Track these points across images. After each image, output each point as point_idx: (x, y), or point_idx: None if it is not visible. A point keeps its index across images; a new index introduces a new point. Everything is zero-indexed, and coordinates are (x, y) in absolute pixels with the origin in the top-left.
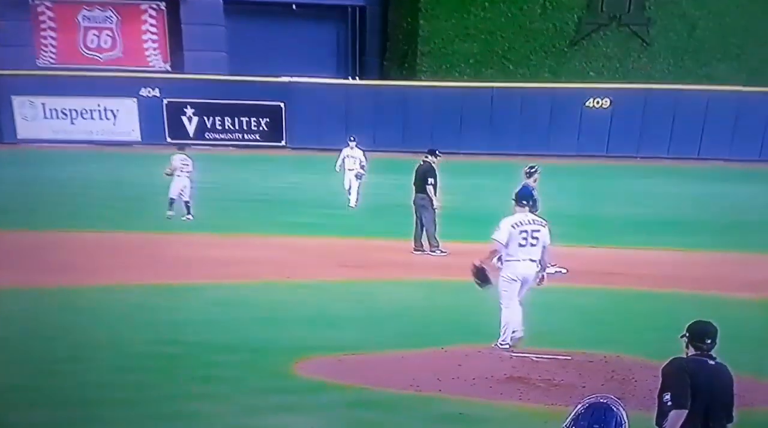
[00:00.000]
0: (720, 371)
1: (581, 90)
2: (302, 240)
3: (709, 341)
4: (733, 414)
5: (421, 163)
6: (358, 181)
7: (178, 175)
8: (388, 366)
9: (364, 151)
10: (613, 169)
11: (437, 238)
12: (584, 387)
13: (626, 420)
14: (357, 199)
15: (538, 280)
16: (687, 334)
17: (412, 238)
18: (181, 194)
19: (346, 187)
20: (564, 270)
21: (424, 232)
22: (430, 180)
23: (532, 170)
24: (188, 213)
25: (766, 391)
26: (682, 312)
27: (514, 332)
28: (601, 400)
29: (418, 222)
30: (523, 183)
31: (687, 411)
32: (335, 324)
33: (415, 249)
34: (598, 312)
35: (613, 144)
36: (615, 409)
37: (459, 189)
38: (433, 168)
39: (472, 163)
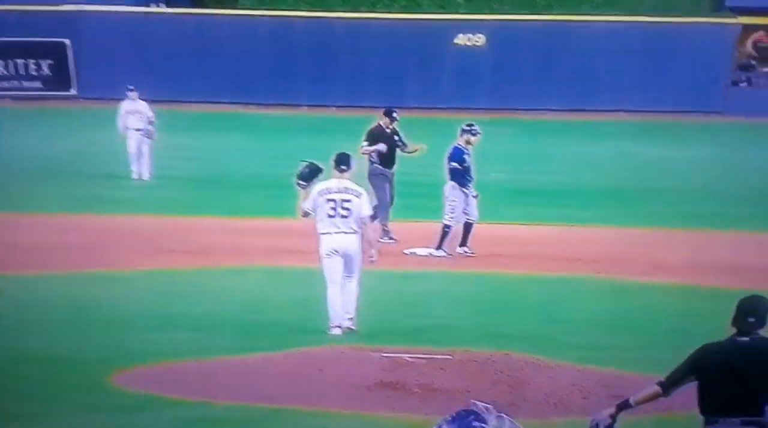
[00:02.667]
0: (755, 349)
1: (448, 23)
2: (108, 220)
3: (752, 320)
4: None
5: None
6: (148, 142)
7: None
8: (233, 375)
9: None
10: (491, 124)
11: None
12: (468, 392)
13: None
14: (150, 169)
15: (370, 258)
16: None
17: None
18: None
19: (132, 152)
20: (440, 253)
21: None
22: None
23: (471, 129)
24: None
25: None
26: (579, 300)
27: (350, 319)
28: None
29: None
30: (454, 144)
31: (663, 394)
32: (163, 325)
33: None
34: (482, 302)
35: (489, 93)
36: (479, 425)
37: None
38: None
39: (306, 118)
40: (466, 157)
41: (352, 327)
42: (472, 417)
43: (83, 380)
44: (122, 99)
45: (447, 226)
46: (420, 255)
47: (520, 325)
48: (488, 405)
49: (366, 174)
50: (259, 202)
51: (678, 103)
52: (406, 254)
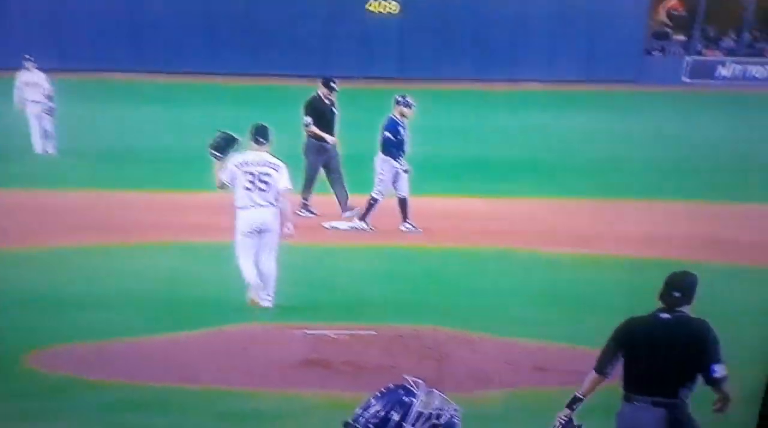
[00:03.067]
0: (676, 327)
1: None
2: (11, 196)
3: (678, 294)
4: (709, 372)
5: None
6: (49, 117)
7: None
8: (154, 355)
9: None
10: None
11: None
12: (395, 368)
13: (434, 410)
14: (55, 143)
15: (286, 231)
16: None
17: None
18: None
19: (33, 125)
20: (362, 226)
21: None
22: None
23: (404, 100)
24: None
25: (582, 360)
26: (503, 273)
27: (268, 295)
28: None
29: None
30: (389, 115)
31: (601, 376)
32: (80, 304)
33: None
34: (406, 277)
35: (400, 62)
36: (409, 399)
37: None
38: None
39: (225, 87)
40: (400, 128)
41: (271, 305)
42: (402, 392)
43: None
44: (18, 69)
45: (373, 199)
46: (341, 230)
47: (445, 299)
48: (419, 380)
49: (303, 148)
50: (174, 176)
51: (592, 72)
52: (326, 228)
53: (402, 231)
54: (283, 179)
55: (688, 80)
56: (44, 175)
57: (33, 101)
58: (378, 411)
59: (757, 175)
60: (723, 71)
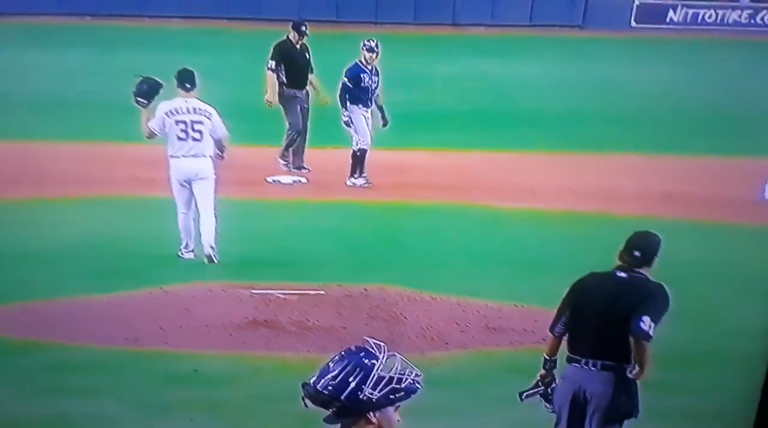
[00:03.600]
0: (630, 285)
1: None
2: None
3: (638, 254)
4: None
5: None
6: None
7: None
8: (92, 316)
9: None
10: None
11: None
12: (344, 328)
13: (397, 372)
14: None
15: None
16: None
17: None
18: None
19: None
20: (303, 179)
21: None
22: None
23: (368, 45)
24: None
25: (534, 319)
26: (453, 230)
27: (211, 247)
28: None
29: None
30: (355, 60)
31: (555, 337)
32: (14, 261)
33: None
34: (353, 234)
35: (335, 5)
36: (370, 362)
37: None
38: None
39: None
40: (363, 75)
41: (214, 258)
42: (363, 354)
43: None
44: None
45: (358, 151)
46: (284, 184)
47: (394, 257)
48: (380, 343)
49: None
50: (105, 126)
51: (537, 16)
52: (270, 182)
53: (349, 185)
54: (218, 127)
55: (636, 25)
56: None
57: None
58: (338, 374)
59: (710, 127)
60: (673, 15)
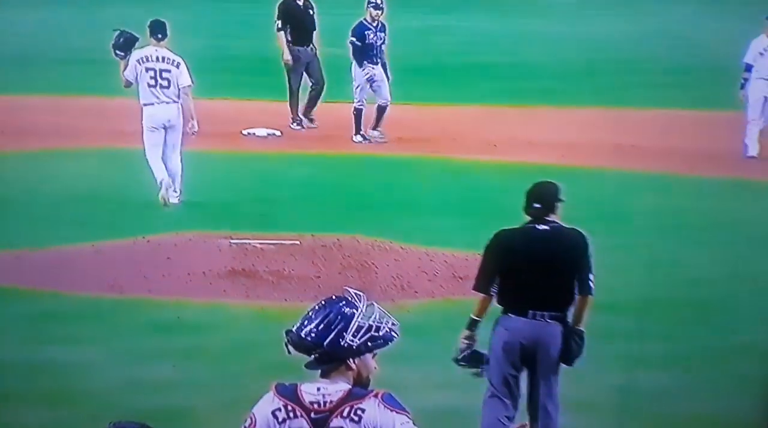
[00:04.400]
0: (555, 235)
1: None
2: None
3: (538, 205)
4: (586, 283)
5: None
6: None
7: None
8: (79, 265)
9: None
10: None
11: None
12: (319, 277)
13: (375, 322)
14: None
15: (190, 129)
16: None
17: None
18: None
19: None
20: (278, 132)
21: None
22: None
23: (373, 2)
24: None
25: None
26: (417, 181)
27: (176, 192)
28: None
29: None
30: (360, 19)
31: (488, 296)
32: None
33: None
34: (323, 185)
35: None
36: (350, 311)
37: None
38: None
39: None
40: (368, 33)
41: (177, 203)
42: (343, 303)
43: None
44: None
45: (355, 109)
46: (259, 136)
47: (365, 208)
48: (360, 293)
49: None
50: (83, 80)
51: None
52: (245, 135)
53: (365, 140)
54: (183, 76)
55: None
56: None
57: None
58: (320, 322)
59: (661, 78)
60: None
